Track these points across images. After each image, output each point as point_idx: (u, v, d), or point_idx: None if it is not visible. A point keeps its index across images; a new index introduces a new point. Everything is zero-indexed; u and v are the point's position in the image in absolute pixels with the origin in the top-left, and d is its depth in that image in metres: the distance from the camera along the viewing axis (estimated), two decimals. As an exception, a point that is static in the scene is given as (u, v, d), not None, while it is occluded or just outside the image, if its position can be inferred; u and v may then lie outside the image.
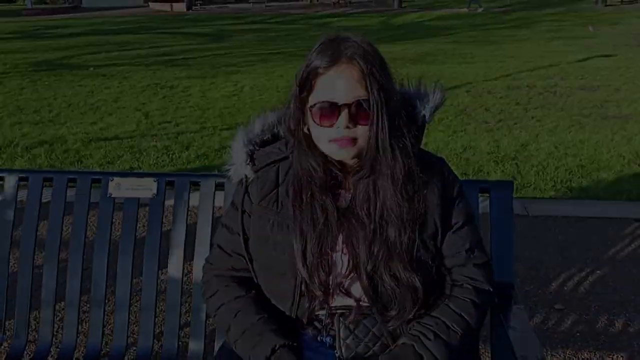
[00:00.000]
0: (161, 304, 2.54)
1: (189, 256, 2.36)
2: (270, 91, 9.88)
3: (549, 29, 16.52)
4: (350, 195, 1.75)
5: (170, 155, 6.60)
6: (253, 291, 1.81)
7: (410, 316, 1.71)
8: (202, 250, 2.30)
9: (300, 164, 1.75)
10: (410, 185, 1.72)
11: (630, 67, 10.95)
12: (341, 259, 1.72)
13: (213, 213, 2.36)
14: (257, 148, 1.85)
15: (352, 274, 1.70)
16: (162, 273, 2.51)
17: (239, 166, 1.83)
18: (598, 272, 3.90)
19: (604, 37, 14.84)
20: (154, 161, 6.40)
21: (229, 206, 1.89)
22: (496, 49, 14.93)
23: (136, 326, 2.57)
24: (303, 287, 1.72)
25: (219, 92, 9.95)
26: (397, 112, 1.71)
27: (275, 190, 1.79)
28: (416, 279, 1.69)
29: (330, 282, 1.71)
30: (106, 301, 2.40)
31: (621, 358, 3.05)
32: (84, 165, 6.25)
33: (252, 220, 1.81)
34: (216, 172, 2.35)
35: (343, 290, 1.72)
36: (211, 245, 2.10)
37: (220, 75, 11.51)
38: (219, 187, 2.38)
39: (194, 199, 2.40)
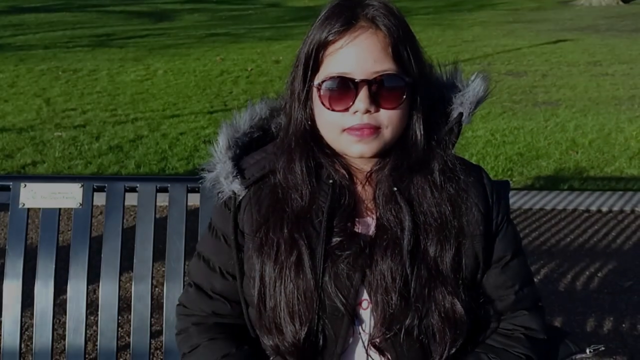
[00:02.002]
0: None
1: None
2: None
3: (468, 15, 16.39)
4: (371, 220, 1.30)
5: (79, 147, 5.90)
6: (245, 346, 1.34)
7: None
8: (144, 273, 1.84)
9: (295, 174, 1.30)
10: (452, 185, 1.31)
11: (555, 52, 10.92)
12: (369, 314, 1.28)
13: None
14: (245, 150, 1.36)
15: (382, 332, 1.26)
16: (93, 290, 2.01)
17: (223, 180, 1.33)
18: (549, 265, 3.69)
19: (526, 24, 14.81)
20: (60, 154, 5.69)
21: (207, 232, 1.40)
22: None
23: None
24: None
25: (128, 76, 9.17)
26: (432, 97, 1.29)
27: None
28: (462, 309, 1.27)
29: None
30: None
31: None
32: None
33: (245, 254, 1.33)
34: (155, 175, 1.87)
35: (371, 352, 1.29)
36: (184, 278, 1.64)
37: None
38: (161, 191, 1.96)
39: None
